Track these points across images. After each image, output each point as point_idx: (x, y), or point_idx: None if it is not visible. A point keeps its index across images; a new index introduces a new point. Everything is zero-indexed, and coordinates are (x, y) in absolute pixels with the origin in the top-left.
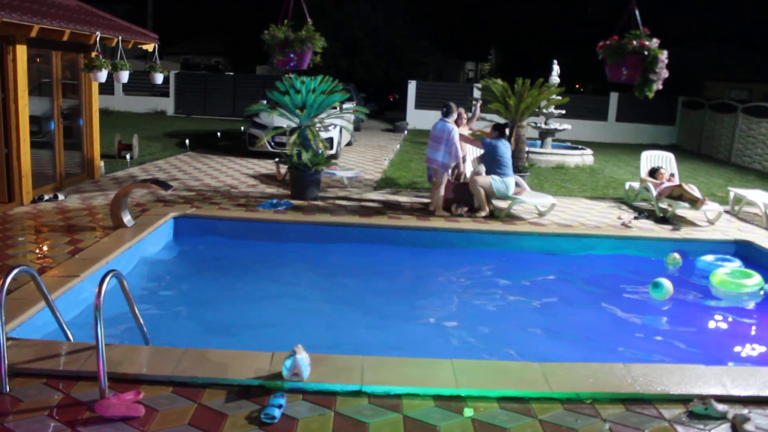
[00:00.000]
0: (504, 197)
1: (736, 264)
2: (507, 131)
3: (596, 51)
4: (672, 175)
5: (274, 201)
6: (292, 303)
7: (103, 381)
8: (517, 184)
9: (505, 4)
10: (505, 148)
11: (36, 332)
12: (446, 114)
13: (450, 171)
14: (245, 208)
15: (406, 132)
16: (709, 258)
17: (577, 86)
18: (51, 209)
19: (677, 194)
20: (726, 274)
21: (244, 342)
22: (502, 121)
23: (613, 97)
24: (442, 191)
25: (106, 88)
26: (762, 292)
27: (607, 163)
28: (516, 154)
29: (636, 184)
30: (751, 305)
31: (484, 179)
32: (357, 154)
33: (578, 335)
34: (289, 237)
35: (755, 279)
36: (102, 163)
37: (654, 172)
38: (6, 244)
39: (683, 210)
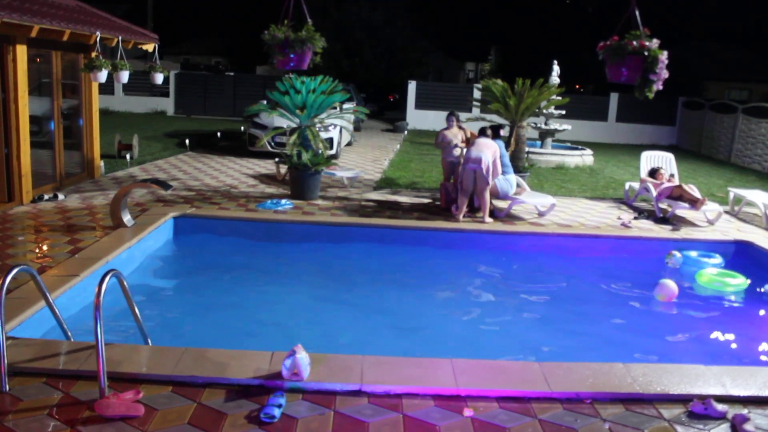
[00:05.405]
0: (506, 197)
1: (717, 260)
2: (500, 132)
3: (596, 51)
4: (672, 175)
5: (274, 201)
6: (292, 303)
7: (102, 380)
8: (517, 185)
9: (505, 5)
10: (505, 149)
11: (36, 331)
12: (497, 133)
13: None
14: (245, 208)
15: (406, 132)
16: (692, 254)
17: (577, 86)
18: (51, 209)
19: (677, 195)
20: (712, 274)
21: (244, 341)
22: (502, 121)
23: (613, 98)
24: (467, 196)
25: (106, 89)
26: (762, 290)
27: (607, 164)
28: (516, 155)
29: (636, 185)
30: (748, 306)
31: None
32: (357, 155)
33: (578, 335)
34: (289, 237)
35: (739, 279)
36: (102, 163)
37: (654, 173)
38: (6, 244)
39: (683, 210)
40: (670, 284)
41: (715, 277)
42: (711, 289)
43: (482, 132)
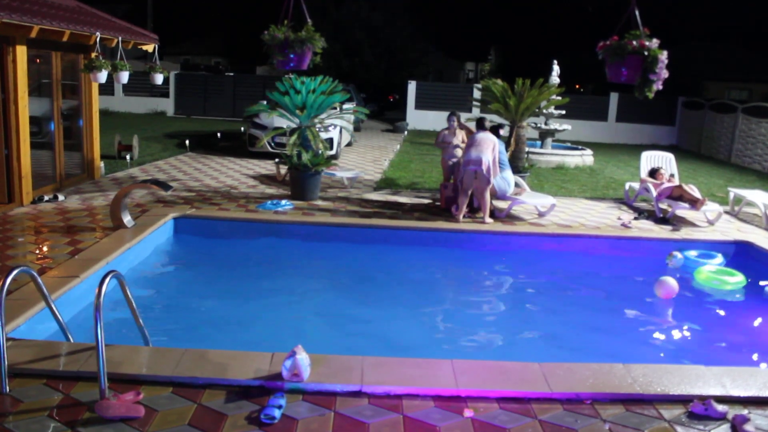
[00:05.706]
0: (504, 196)
1: (719, 259)
2: (500, 131)
3: (596, 51)
4: (672, 175)
5: (274, 201)
6: (293, 303)
7: (102, 381)
8: (517, 185)
9: (504, 5)
10: (503, 147)
11: (36, 333)
12: (496, 132)
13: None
14: (245, 208)
15: (406, 132)
16: (692, 253)
17: (577, 86)
18: (51, 210)
19: (677, 195)
20: (710, 271)
21: (244, 342)
22: (502, 121)
23: (613, 98)
24: (467, 196)
25: (106, 89)
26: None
27: (607, 164)
28: (516, 155)
29: (636, 185)
30: (749, 306)
31: None
32: (357, 155)
33: (578, 335)
34: (289, 238)
35: (738, 278)
36: (102, 164)
37: (654, 173)
38: (6, 245)
39: (683, 210)
40: (670, 281)
41: (713, 274)
42: (709, 286)
43: (480, 125)
